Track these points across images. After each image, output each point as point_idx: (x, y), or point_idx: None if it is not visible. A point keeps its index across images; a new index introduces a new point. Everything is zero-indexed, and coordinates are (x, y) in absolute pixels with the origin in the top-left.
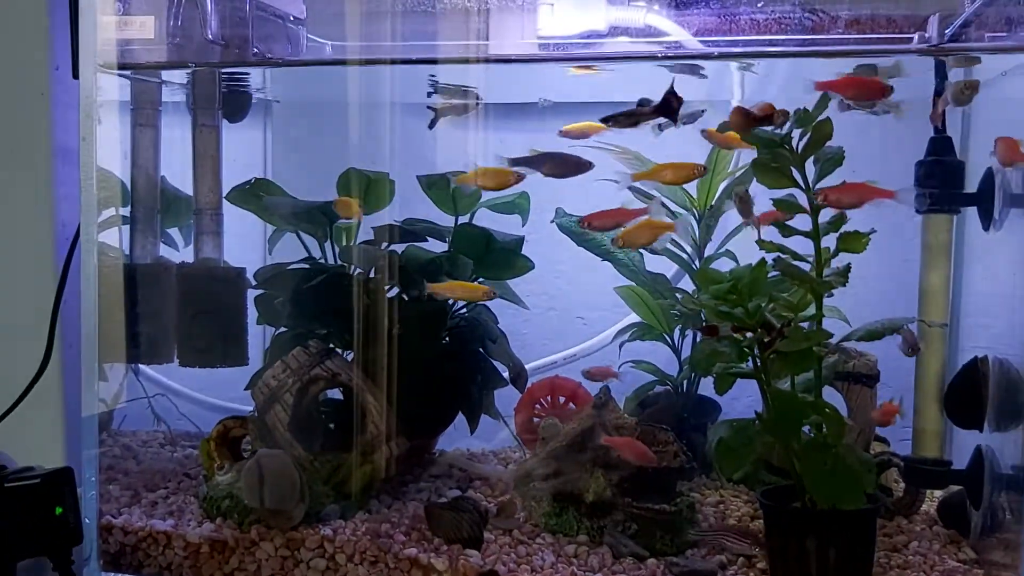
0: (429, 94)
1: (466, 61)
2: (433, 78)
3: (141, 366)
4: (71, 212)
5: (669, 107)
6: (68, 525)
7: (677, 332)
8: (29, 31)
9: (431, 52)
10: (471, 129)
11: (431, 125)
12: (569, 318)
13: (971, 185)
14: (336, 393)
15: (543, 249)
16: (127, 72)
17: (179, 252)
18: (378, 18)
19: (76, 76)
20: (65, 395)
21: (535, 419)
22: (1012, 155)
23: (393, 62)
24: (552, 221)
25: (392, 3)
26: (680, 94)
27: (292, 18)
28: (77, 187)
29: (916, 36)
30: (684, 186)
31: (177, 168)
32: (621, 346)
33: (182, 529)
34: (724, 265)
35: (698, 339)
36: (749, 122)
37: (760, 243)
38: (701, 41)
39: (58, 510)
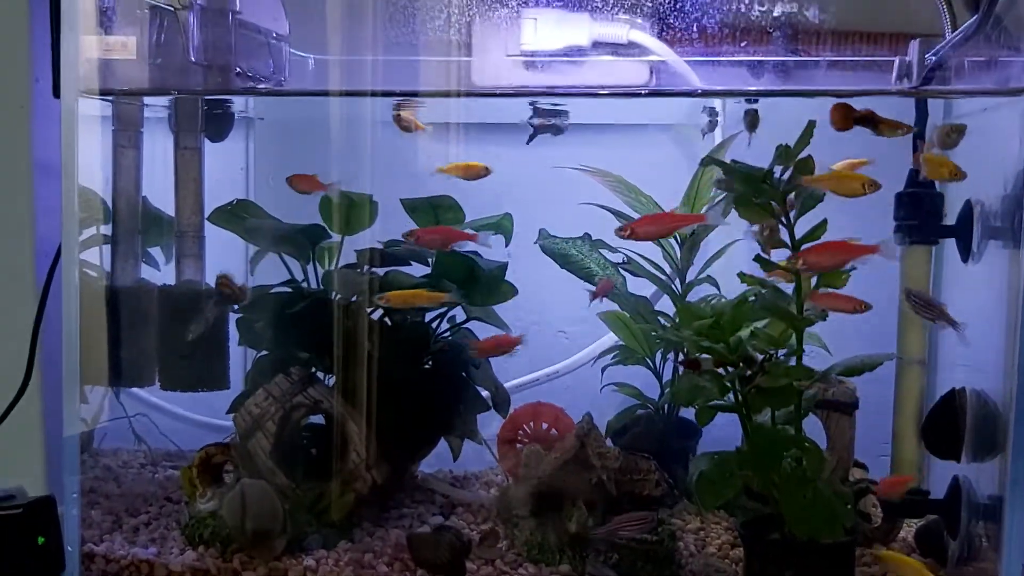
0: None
1: (447, 94)
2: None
3: None
4: (51, 226)
5: None
6: (51, 554)
7: (658, 356)
8: (8, 44)
9: (413, 66)
10: (453, 145)
11: (528, 141)
12: (552, 333)
13: (950, 217)
14: (319, 417)
15: (525, 263)
16: (110, 98)
17: (160, 272)
18: (360, 30)
19: (57, 95)
20: (45, 415)
21: (518, 445)
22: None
23: (374, 94)
24: (535, 243)
25: (373, 17)
26: None
27: (275, 35)
28: (58, 200)
29: (897, 61)
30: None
31: (158, 185)
32: (603, 370)
33: (164, 558)
34: (705, 290)
35: (680, 371)
36: (849, 120)
37: (742, 277)
38: (687, 61)
39: (40, 540)
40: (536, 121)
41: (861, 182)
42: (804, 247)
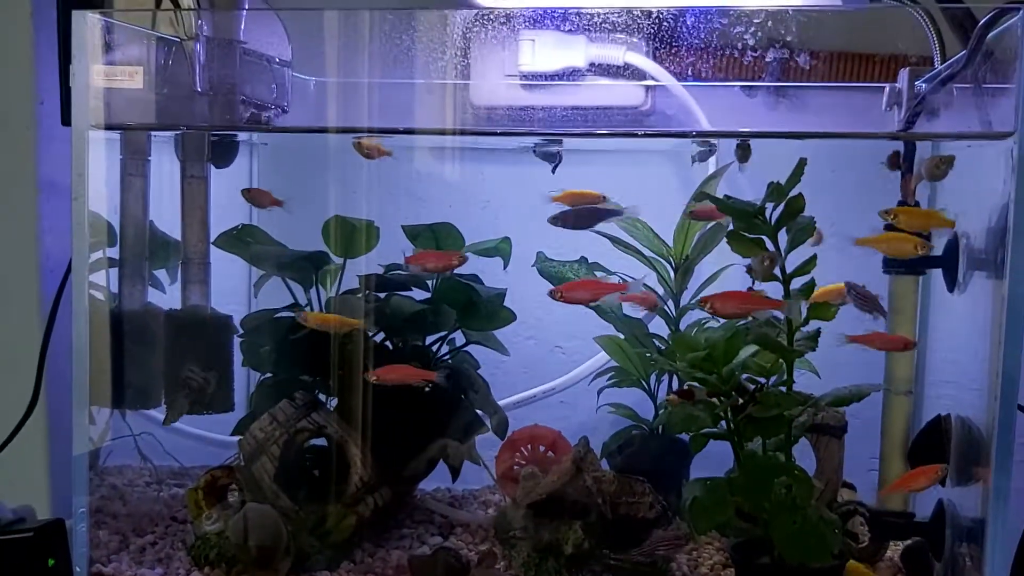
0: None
1: (443, 132)
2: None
3: None
4: (56, 244)
5: None
6: None
7: (653, 377)
8: (14, 66)
9: (410, 89)
10: (453, 167)
11: (553, 170)
12: (548, 347)
13: (936, 248)
14: (321, 439)
15: (522, 280)
16: (118, 130)
17: (165, 294)
18: (357, 53)
19: (66, 123)
20: (50, 434)
21: (515, 466)
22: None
23: (371, 131)
24: (533, 265)
25: (370, 35)
26: None
27: (278, 60)
28: (62, 219)
29: (887, 88)
30: (660, 235)
31: (164, 205)
32: (600, 392)
33: None
34: (698, 314)
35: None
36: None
37: None
38: (685, 86)
39: (51, 562)
40: (557, 149)
41: (913, 243)
42: (710, 294)
